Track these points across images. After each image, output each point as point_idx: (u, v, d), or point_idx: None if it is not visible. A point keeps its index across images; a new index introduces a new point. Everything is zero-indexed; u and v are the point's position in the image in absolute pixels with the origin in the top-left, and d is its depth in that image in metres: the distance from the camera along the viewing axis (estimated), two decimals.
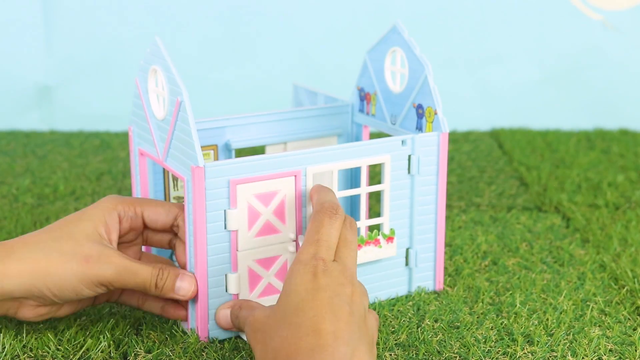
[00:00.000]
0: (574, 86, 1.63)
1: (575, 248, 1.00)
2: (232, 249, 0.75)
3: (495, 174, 1.30)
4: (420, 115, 0.87)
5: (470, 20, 1.60)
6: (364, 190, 0.82)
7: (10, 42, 1.57)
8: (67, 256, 0.72)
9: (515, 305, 0.84)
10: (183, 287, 0.75)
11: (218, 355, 0.74)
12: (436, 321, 0.81)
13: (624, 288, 0.89)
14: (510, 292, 0.87)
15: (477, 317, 0.82)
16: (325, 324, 0.62)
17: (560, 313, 0.82)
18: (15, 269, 0.71)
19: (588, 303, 0.85)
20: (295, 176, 0.77)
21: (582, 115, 1.63)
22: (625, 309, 0.84)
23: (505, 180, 1.27)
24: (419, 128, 0.87)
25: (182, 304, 0.78)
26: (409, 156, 0.84)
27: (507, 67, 1.62)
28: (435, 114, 0.85)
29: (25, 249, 0.72)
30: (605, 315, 0.83)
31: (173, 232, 0.80)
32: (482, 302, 0.85)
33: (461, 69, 1.61)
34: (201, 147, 0.87)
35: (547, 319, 0.81)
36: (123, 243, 0.79)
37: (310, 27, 1.60)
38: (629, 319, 0.82)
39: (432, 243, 0.87)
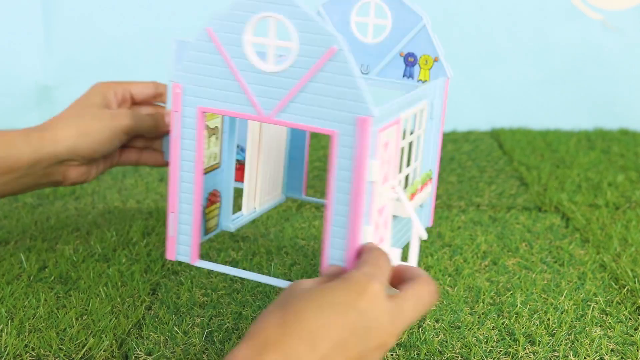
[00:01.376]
0: (574, 86, 1.63)
1: (575, 248, 1.00)
2: (371, 202, 0.71)
3: (495, 174, 1.30)
4: (410, 64, 0.90)
5: (470, 20, 1.60)
6: (416, 135, 0.84)
7: (10, 42, 1.57)
8: (99, 118, 0.88)
9: (516, 305, 0.84)
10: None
11: (219, 357, 0.74)
12: (437, 321, 0.81)
13: (624, 288, 0.89)
14: (511, 292, 0.87)
15: (478, 317, 0.82)
16: (330, 347, 0.58)
17: (562, 313, 0.82)
18: (64, 134, 0.87)
19: (589, 303, 0.85)
20: (396, 125, 0.75)
21: (582, 115, 1.63)
22: (626, 309, 0.84)
23: (505, 180, 1.27)
24: (409, 76, 0.90)
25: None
26: (431, 101, 0.86)
27: (507, 67, 1.62)
28: (436, 60, 0.89)
29: (65, 120, 0.88)
30: (607, 315, 0.83)
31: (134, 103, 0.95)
32: (483, 302, 0.85)
33: (461, 69, 1.61)
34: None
35: (549, 319, 0.81)
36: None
37: None
38: (630, 318, 0.82)
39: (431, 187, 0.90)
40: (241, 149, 0.92)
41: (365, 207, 0.70)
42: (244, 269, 0.93)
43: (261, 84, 0.72)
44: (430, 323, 0.80)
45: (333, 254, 0.71)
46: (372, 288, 0.61)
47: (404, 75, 0.92)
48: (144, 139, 0.95)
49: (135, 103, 0.94)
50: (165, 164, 0.95)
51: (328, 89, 0.70)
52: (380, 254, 0.67)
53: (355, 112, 0.69)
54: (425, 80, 0.91)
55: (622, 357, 0.75)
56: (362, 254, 0.67)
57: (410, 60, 0.91)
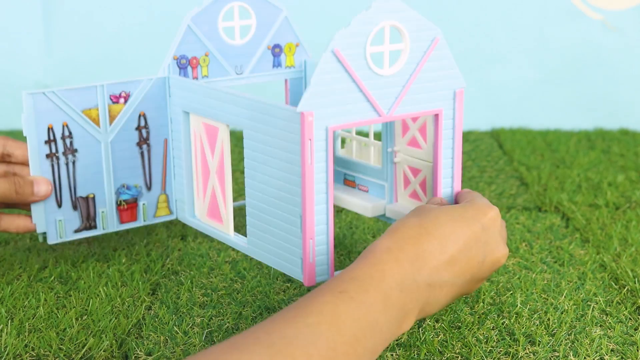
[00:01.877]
0: (574, 86, 1.63)
1: (575, 248, 1.00)
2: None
3: (495, 174, 1.30)
4: (277, 54, 1.01)
5: (471, 20, 1.60)
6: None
7: (10, 42, 1.57)
8: None
9: (516, 305, 0.84)
10: (41, 189, 0.87)
11: None
12: (437, 321, 0.81)
13: (624, 288, 0.89)
14: (511, 292, 0.87)
15: (478, 317, 0.82)
16: (457, 249, 0.73)
17: (562, 313, 0.82)
18: None
19: (589, 303, 0.85)
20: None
21: (582, 115, 1.63)
22: (626, 309, 0.84)
23: (505, 180, 1.27)
24: (277, 65, 1.02)
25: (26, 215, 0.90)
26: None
27: (507, 67, 1.62)
28: (297, 45, 1.02)
29: None
30: (607, 315, 0.83)
31: (5, 162, 0.92)
32: (483, 302, 0.85)
33: (461, 69, 1.61)
34: None
35: (549, 319, 0.81)
36: None
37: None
38: (630, 318, 0.82)
39: None
40: (127, 188, 0.94)
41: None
42: (244, 269, 0.93)
43: (380, 88, 0.80)
44: (430, 323, 0.80)
45: (445, 191, 0.87)
46: (493, 212, 0.77)
47: (273, 66, 1.02)
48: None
49: None
50: (34, 229, 0.90)
51: (433, 75, 0.83)
52: (480, 195, 0.82)
53: (453, 88, 0.86)
54: (292, 65, 1.03)
55: (622, 357, 0.75)
56: (467, 194, 0.83)
57: (276, 51, 1.01)
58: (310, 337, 0.59)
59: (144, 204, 0.96)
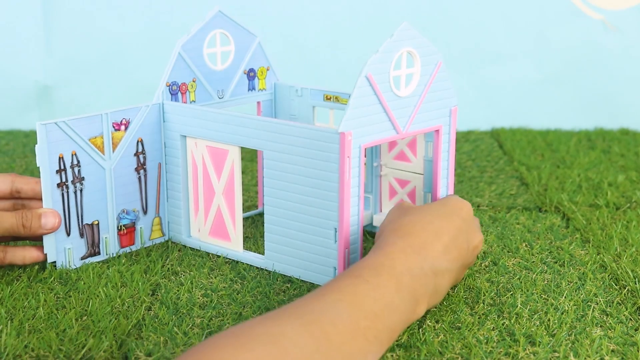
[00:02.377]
0: (574, 86, 1.63)
1: (576, 248, 1.00)
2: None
3: (495, 174, 1.30)
4: (251, 78, 1.07)
5: (470, 20, 1.60)
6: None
7: (10, 42, 1.57)
8: None
9: (517, 306, 0.84)
10: (48, 221, 0.88)
11: None
12: (437, 322, 0.81)
13: (625, 288, 0.89)
14: (511, 292, 0.87)
15: (479, 318, 0.82)
16: (449, 240, 0.82)
17: (562, 313, 0.82)
18: None
19: (589, 303, 0.85)
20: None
21: (582, 115, 1.63)
22: (626, 309, 0.84)
23: (505, 180, 1.27)
24: (252, 89, 1.07)
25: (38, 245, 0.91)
26: None
27: (507, 67, 1.62)
28: (268, 69, 1.08)
29: None
30: (607, 315, 0.83)
31: (14, 198, 0.93)
32: (483, 303, 0.85)
33: (461, 69, 1.61)
34: None
35: (549, 320, 0.81)
36: None
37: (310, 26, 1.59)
38: (630, 319, 0.82)
39: None
40: (126, 212, 0.96)
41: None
42: (244, 269, 0.93)
43: (398, 108, 0.89)
44: (430, 324, 0.80)
45: (443, 191, 0.98)
46: (467, 206, 0.87)
47: (248, 90, 1.07)
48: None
49: None
50: (44, 258, 0.91)
51: (436, 95, 0.93)
52: (451, 194, 0.93)
53: (450, 105, 0.95)
54: (264, 88, 1.09)
55: (622, 358, 0.75)
56: (444, 196, 0.94)
57: (251, 75, 1.07)
58: (334, 311, 0.67)
59: (140, 228, 0.98)
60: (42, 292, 0.86)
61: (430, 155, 0.98)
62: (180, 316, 0.82)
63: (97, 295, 0.86)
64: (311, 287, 0.88)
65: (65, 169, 0.90)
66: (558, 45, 1.61)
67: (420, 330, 0.79)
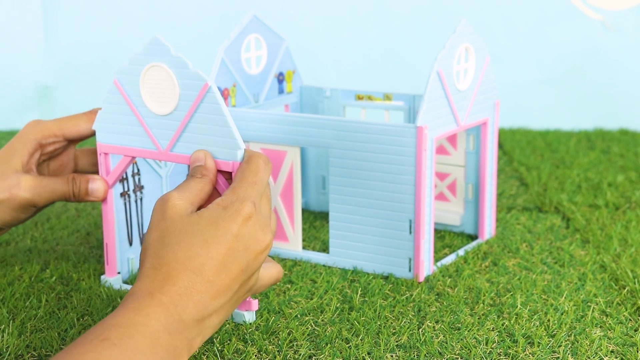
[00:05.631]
0: (574, 86, 1.63)
1: (576, 248, 1.00)
2: None
3: None
4: (281, 81, 1.08)
5: (470, 20, 1.60)
6: None
7: (10, 42, 1.57)
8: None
9: (516, 306, 0.84)
10: (96, 188, 0.85)
11: (219, 359, 0.74)
12: (437, 322, 0.81)
13: (624, 289, 0.89)
14: (511, 293, 0.87)
15: (478, 318, 0.82)
16: (215, 272, 0.67)
17: (561, 314, 0.82)
18: None
19: (589, 304, 0.85)
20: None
21: (582, 115, 1.63)
22: (626, 310, 0.84)
23: (505, 180, 1.28)
24: (281, 92, 1.09)
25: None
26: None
27: (507, 67, 1.62)
28: (294, 72, 1.09)
29: None
30: (606, 316, 0.83)
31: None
32: (483, 303, 0.85)
33: None
34: None
35: (548, 320, 0.81)
36: (52, 158, 0.90)
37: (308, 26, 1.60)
38: (630, 319, 0.82)
39: None
40: None
41: None
42: None
43: (458, 101, 0.93)
44: (430, 324, 0.80)
45: (489, 182, 1.01)
46: (246, 207, 0.70)
47: (279, 93, 1.08)
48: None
49: (73, 141, 0.89)
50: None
51: (485, 88, 0.99)
52: (253, 166, 0.73)
53: (494, 99, 1.01)
54: (290, 92, 1.10)
55: (622, 359, 0.75)
56: (242, 165, 0.74)
57: (280, 79, 1.08)
58: None
59: None
60: (43, 292, 0.86)
61: (472, 148, 1.01)
62: None
63: (99, 295, 0.86)
64: (312, 286, 0.89)
65: (127, 178, 0.89)
66: (558, 45, 1.61)
67: (420, 330, 0.79)
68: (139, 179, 0.91)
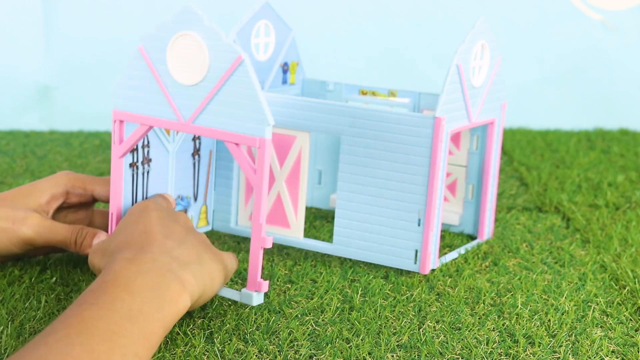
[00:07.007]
0: (574, 86, 1.63)
1: (576, 248, 1.00)
2: None
3: None
4: (285, 71, 1.07)
5: (470, 20, 1.60)
6: None
7: (10, 42, 1.57)
8: (2, 220, 0.85)
9: (517, 306, 0.84)
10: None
11: (220, 359, 0.74)
12: (438, 322, 0.81)
13: (625, 288, 0.89)
14: (512, 293, 0.87)
15: (479, 318, 0.82)
16: (155, 229, 0.75)
17: (562, 314, 0.82)
18: None
19: (589, 304, 0.85)
20: None
21: (582, 115, 1.63)
22: (626, 310, 0.84)
23: (505, 180, 1.27)
24: (284, 82, 1.07)
25: None
26: None
27: (507, 67, 1.62)
28: (298, 64, 1.08)
29: None
30: (607, 316, 0.83)
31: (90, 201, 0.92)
32: (484, 303, 0.85)
33: None
34: None
35: (549, 320, 0.81)
36: (72, 210, 0.92)
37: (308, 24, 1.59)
38: (630, 319, 0.82)
39: None
40: (181, 199, 0.95)
41: None
42: (244, 270, 0.93)
43: (472, 97, 0.93)
44: (430, 324, 0.80)
45: (492, 182, 1.01)
46: (150, 203, 0.81)
47: (282, 83, 1.07)
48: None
49: (97, 200, 0.92)
50: None
51: (495, 87, 0.98)
52: (148, 219, 0.79)
53: (501, 100, 1.00)
54: (293, 83, 1.09)
55: (622, 359, 0.75)
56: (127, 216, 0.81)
57: (285, 69, 1.07)
58: (63, 348, 0.61)
59: (191, 216, 0.97)
60: (43, 293, 0.86)
61: (475, 148, 1.00)
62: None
63: None
64: (312, 286, 0.89)
65: (137, 148, 0.88)
66: (558, 45, 1.61)
67: (421, 330, 0.79)
68: (148, 152, 0.89)
